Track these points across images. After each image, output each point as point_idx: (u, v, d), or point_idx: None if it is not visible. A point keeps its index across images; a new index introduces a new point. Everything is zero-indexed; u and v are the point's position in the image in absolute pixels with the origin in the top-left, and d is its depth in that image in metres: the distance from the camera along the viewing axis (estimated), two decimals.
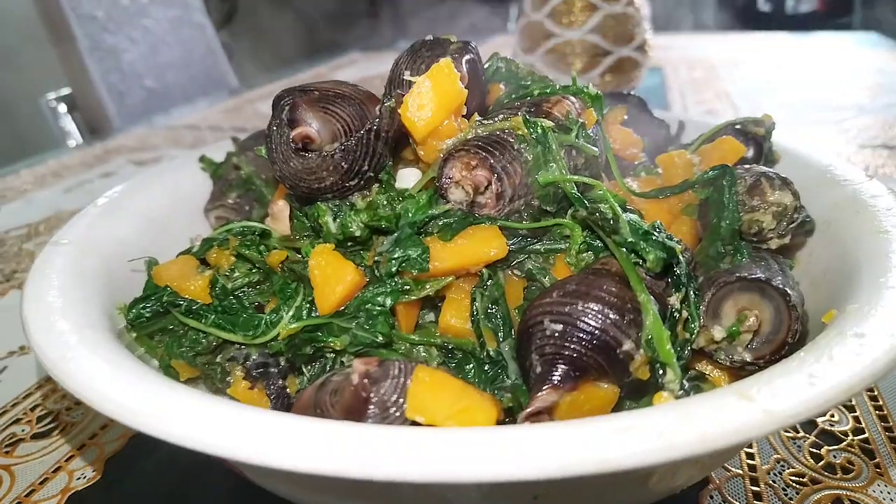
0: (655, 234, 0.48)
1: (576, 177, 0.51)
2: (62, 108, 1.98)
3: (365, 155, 0.52)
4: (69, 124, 1.99)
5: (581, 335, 0.44)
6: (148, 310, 0.55)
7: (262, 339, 0.52)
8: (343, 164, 0.52)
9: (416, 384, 0.41)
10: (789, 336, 0.48)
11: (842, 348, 0.41)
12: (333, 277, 0.50)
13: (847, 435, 0.66)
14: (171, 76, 2.27)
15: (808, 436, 0.65)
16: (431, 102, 0.51)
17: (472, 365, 0.51)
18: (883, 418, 0.68)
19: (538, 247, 0.54)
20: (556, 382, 0.45)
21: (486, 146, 0.51)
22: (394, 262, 0.50)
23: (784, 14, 4.06)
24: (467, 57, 0.58)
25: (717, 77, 2.07)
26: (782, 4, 4.03)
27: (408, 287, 0.51)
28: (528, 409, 0.44)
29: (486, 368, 0.51)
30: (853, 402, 0.70)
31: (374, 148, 0.53)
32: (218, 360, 0.55)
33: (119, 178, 1.49)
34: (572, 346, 0.44)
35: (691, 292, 0.49)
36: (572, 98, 0.57)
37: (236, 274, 0.57)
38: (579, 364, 0.45)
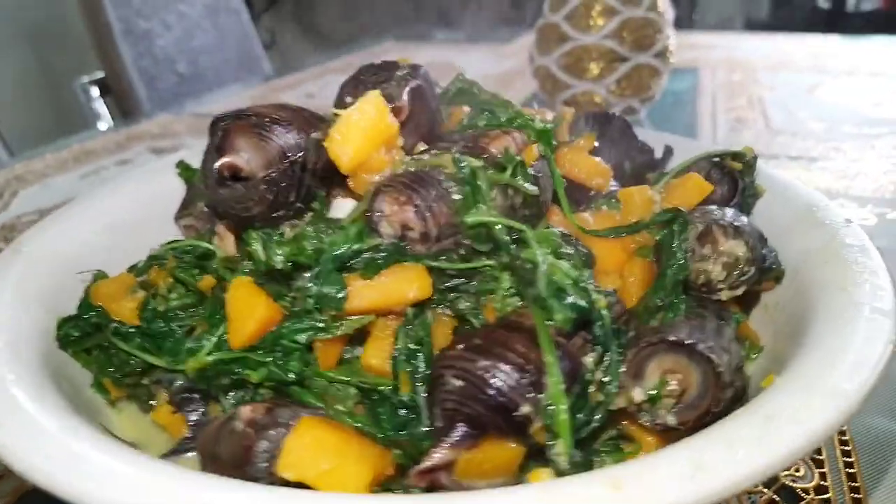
0: (572, 290, 0.45)
1: (502, 219, 0.49)
2: (95, 91, 2.03)
3: (290, 187, 0.51)
4: (101, 108, 2.04)
5: (479, 394, 0.42)
6: (77, 329, 0.55)
7: (182, 366, 0.52)
8: (268, 195, 0.51)
9: (292, 437, 0.40)
10: (713, 405, 0.45)
11: (745, 431, 0.38)
12: (245, 313, 0.49)
13: (808, 493, 0.62)
14: (204, 61, 2.31)
15: (765, 491, 0.62)
16: (357, 136, 0.50)
17: (385, 408, 0.50)
18: (852, 477, 0.64)
19: (470, 287, 0.53)
20: (453, 441, 0.43)
21: (411, 183, 0.50)
22: (310, 299, 0.49)
23: (844, 13, 3.83)
24: (413, 84, 0.56)
25: (755, 81, 1.98)
26: (843, 2, 3.80)
27: (323, 325, 0.50)
28: (419, 466, 0.43)
29: (399, 413, 0.49)
30: (822, 457, 0.67)
31: (301, 180, 0.52)
32: (145, 381, 0.55)
33: (135, 165, 1.52)
34: (470, 404, 0.43)
35: (613, 351, 0.46)
36: (515, 133, 0.54)
37: (173, 294, 0.57)
38: (478, 423, 0.43)
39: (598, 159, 0.67)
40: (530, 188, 0.52)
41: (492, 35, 2.76)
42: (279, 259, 0.51)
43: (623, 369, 0.46)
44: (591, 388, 0.44)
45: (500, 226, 0.49)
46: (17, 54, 2.78)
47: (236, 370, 0.50)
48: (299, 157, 0.51)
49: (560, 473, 0.40)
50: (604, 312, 0.46)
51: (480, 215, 0.49)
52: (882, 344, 0.45)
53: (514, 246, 0.49)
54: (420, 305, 0.52)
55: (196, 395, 0.54)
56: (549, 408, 0.41)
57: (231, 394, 0.53)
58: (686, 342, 0.45)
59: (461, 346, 0.45)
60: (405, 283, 0.50)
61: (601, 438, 0.49)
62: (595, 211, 0.63)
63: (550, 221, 0.60)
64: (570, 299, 0.43)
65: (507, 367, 0.42)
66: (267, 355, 0.50)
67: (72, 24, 2.43)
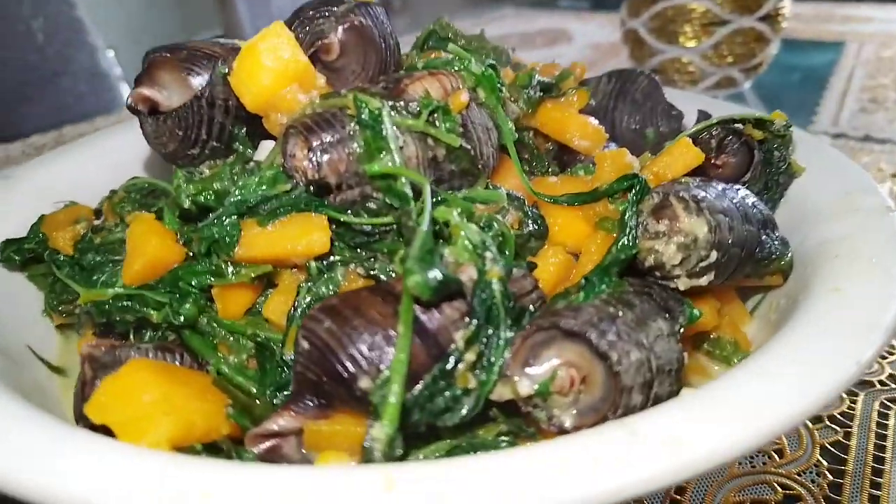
0: (467, 256, 0.39)
1: (403, 170, 0.43)
2: None
3: (200, 123, 0.49)
4: None
5: (322, 360, 0.37)
6: (18, 253, 0.57)
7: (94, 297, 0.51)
8: (177, 130, 0.49)
9: (109, 379, 0.37)
10: (610, 411, 0.37)
11: (591, 448, 0.30)
12: (137, 249, 0.47)
13: None
14: None
15: None
16: (261, 71, 0.45)
17: (272, 366, 0.46)
18: None
19: (383, 246, 0.47)
20: (297, 408, 0.39)
21: (313, 125, 0.45)
22: (203, 241, 0.46)
23: None
24: (353, 21, 0.51)
25: None
26: None
27: (215, 269, 0.47)
28: (253, 430, 0.39)
29: (283, 372, 0.46)
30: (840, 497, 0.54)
31: (212, 116, 0.49)
32: (77, 311, 0.56)
33: None
34: (314, 370, 0.38)
35: (500, 331, 0.39)
36: (445, 76, 0.47)
37: (118, 229, 0.57)
38: (322, 391, 0.38)
39: (589, 119, 0.58)
40: (452, 137, 0.45)
41: (617, 4, 2.58)
42: (185, 199, 0.48)
43: (508, 354, 0.39)
44: (459, 369, 0.38)
45: (403, 178, 0.43)
46: (158, 7, 3.00)
47: (135, 307, 0.49)
48: (206, 92, 0.48)
49: (370, 462, 0.34)
50: (494, 285, 0.39)
51: (381, 165, 0.43)
52: (844, 364, 0.35)
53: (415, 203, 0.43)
54: (328, 261, 0.48)
55: (116, 330, 0.54)
56: (384, 385, 0.35)
57: (146, 333, 0.53)
58: (576, 330, 0.37)
59: (319, 305, 0.40)
60: (298, 235, 0.45)
61: (491, 432, 0.42)
62: (567, 175, 0.55)
63: (506, 182, 0.53)
64: (435, 266, 0.37)
65: (352, 333, 0.37)
66: (166, 296, 0.49)
67: None
